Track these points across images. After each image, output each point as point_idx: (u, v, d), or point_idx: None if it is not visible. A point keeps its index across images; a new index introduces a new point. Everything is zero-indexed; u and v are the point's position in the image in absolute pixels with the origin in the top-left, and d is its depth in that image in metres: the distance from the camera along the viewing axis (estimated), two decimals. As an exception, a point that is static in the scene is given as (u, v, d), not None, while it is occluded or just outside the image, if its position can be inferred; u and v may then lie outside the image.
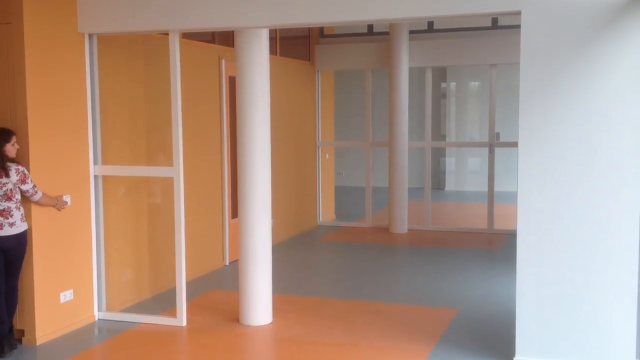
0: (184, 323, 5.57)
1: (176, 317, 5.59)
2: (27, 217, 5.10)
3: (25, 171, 4.99)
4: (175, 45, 5.36)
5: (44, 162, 5.22)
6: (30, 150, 5.10)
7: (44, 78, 5.21)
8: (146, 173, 5.59)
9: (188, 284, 6.86)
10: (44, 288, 5.24)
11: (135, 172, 5.96)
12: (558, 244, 4.55)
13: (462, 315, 5.87)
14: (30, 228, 5.11)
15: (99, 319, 5.77)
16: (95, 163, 5.70)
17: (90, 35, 5.61)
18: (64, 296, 5.43)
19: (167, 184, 6.87)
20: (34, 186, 5.04)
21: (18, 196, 4.98)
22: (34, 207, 5.13)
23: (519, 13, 4.52)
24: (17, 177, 4.93)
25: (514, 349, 4.71)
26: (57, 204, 5.28)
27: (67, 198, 5.41)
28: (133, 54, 6.28)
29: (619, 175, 4.39)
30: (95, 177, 5.71)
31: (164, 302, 6.21)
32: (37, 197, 5.08)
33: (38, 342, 5.18)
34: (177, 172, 5.37)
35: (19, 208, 4.98)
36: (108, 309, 5.83)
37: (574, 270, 4.53)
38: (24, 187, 4.98)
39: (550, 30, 4.46)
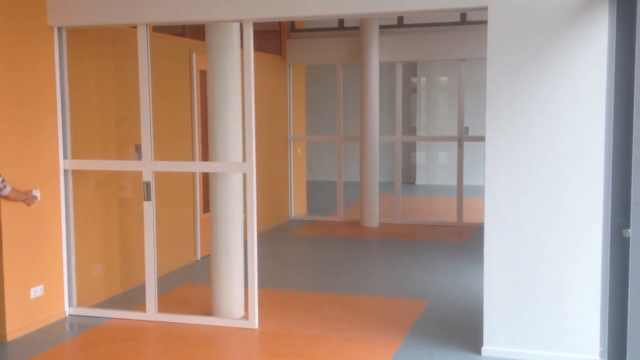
0: (156, 318, 5.57)
1: (146, 312, 5.58)
2: (-5, 212, 5.06)
3: (-6, 166, 4.95)
4: (143, 39, 5.35)
5: (12, 156, 5.17)
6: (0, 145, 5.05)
7: (13, 71, 5.16)
8: (216, 169, 5.47)
9: (159, 278, 6.84)
10: (13, 284, 5.20)
11: (207, 168, 5.83)
12: (524, 236, 4.64)
13: (431, 307, 5.96)
14: (-1, 223, 5.06)
15: (69, 315, 5.74)
16: (65, 157, 5.66)
17: (60, 28, 5.56)
18: (34, 292, 5.40)
19: (138, 179, 6.85)
20: (3, 180, 4.99)
21: (-14, 191, 4.93)
22: (3, 203, 5.08)
23: (485, 9, 4.60)
24: (-14, 172, 4.88)
25: (481, 338, 4.81)
26: (26, 198, 5.23)
27: (36, 193, 5.37)
28: (103, 47, 6.24)
29: (582, 167, 4.50)
30: (65, 171, 5.67)
31: (135, 298, 6.20)
32: (6, 191, 5.03)
33: (8, 338, 5.14)
34: (250, 167, 5.26)
35: (-12, 203, 4.94)
36: (79, 305, 5.80)
37: (539, 262, 4.63)
38: (-7, 182, 4.94)
39: (516, 25, 4.54)
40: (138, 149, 5.53)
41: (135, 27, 5.51)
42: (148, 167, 5.50)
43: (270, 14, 5.12)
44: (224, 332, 5.34)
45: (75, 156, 5.74)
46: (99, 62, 6.17)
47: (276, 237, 9.25)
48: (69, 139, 5.68)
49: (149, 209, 5.53)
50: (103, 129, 6.24)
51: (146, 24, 5.35)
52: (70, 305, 5.76)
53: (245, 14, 5.12)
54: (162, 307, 5.82)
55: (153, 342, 5.25)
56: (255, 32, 5.27)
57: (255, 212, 5.33)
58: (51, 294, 5.58)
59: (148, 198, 5.51)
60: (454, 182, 10.18)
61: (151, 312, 5.57)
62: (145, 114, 5.43)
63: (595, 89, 4.43)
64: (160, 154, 6.99)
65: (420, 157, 15.18)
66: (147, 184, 5.49)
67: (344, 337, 5.19)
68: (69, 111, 5.67)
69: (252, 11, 5.09)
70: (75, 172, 5.74)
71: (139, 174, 6.77)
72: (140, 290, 6.34)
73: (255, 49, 7.30)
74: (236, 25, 5.48)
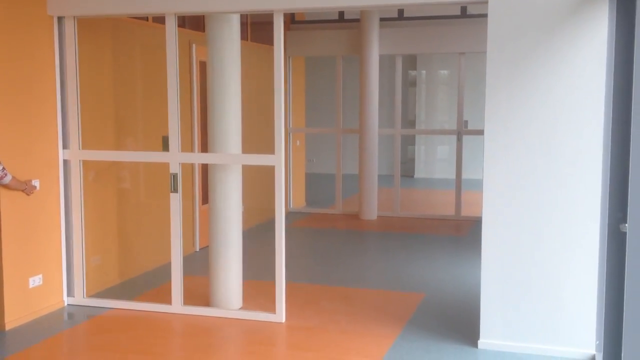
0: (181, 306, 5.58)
1: (172, 305, 5.57)
2: (-6, 201, 5.07)
3: (-6, 154, 4.95)
4: (172, 30, 5.32)
5: (12, 146, 5.18)
6: (-2, 135, 5.05)
7: (13, 61, 5.15)
8: (247, 161, 5.49)
9: (157, 269, 6.88)
10: (12, 273, 5.21)
11: (237, 161, 5.69)
12: (522, 230, 4.66)
13: (429, 300, 5.98)
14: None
15: (68, 305, 5.76)
16: (64, 147, 5.67)
17: (60, 18, 5.55)
18: (33, 281, 5.41)
19: (137, 169, 6.86)
20: (4, 169, 5.00)
21: (-15, 180, 4.94)
22: (2, 192, 5.09)
23: (486, 2, 4.60)
24: (-15, 161, 4.89)
25: (478, 331, 4.83)
26: (25, 188, 5.24)
27: (36, 183, 5.37)
28: (102, 38, 6.23)
29: (580, 161, 4.51)
30: (65, 161, 5.68)
31: (134, 288, 6.21)
32: (7, 179, 5.03)
33: (7, 328, 5.16)
34: (279, 160, 5.28)
35: (-13, 192, 4.94)
36: (77, 295, 5.81)
37: (537, 256, 4.65)
38: (-7, 171, 4.94)
39: (516, 19, 4.55)
40: (165, 140, 5.49)
41: (133, 18, 5.50)
42: (175, 158, 5.45)
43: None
44: (222, 323, 5.36)
45: (75, 146, 5.73)
46: (97, 53, 6.16)
47: (275, 229, 9.24)
48: (68, 129, 5.68)
49: (175, 200, 5.50)
50: (104, 119, 6.23)
51: (174, 14, 5.29)
52: (69, 295, 5.78)
53: (276, 4, 5.05)
54: (160, 298, 5.84)
55: (151, 332, 5.26)
56: (254, 24, 5.27)
57: (283, 205, 5.33)
58: (50, 284, 5.59)
59: (175, 190, 5.48)
60: (452, 175, 10.20)
61: (177, 305, 5.54)
62: (172, 106, 5.39)
63: (594, 84, 4.44)
64: (159, 145, 7.00)
65: (419, 150, 15.18)
66: (174, 176, 5.45)
67: (341, 329, 5.21)
68: (69, 101, 5.65)
69: (283, 1, 5.03)
70: (75, 162, 5.74)
71: (136, 165, 6.80)
72: (138, 280, 6.36)
73: (254, 40, 7.31)
74: (236, 17, 5.47)
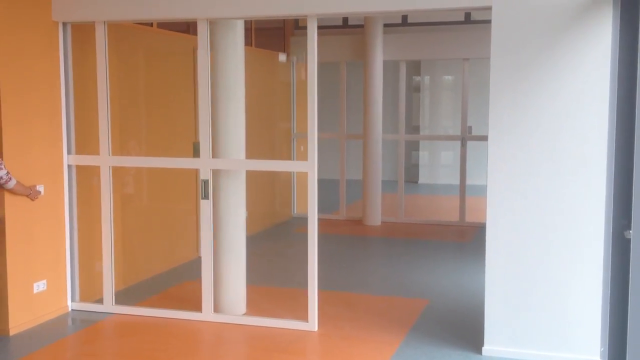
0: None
1: (202, 313, 5.53)
2: (0, 206, 5.08)
3: (-1, 158, 4.97)
4: (203, 34, 5.23)
5: (17, 151, 5.19)
6: (4, 139, 5.06)
7: (18, 67, 5.17)
8: (281, 168, 5.38)
9: (161, 275, 6.89)
10: (17, 278, 5.22)
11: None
12: (526, 236, 4.65)
13: (433, 306, 5.97)
14: (3, 218, 5.08)
15: (72, 310, 5.76)
16: (69, 153, 5.68)
17: (65, 24, 5.58)
18: (37, 286, 5.42)
19: (140, 175, 6.87)
20: (8, 172, 5.01)
21: (-11, 185, 4.95)
22: (7, 197, 5.11)
23: (489, 8, 4.60)
24: (-10, 165, 4.90)
25: (482, 338, 4.82)
26: (30, 193, 5.25)
27: (40, 188, 5.39)
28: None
29: (584, 167, 4.50)
30: (69, 166, 5.69)
31: (138, 293, 6.22)
32: (12, 184, 5.04)
33: (11, 333, 5.16)
34: (313, 166, 5.23)
35: (-10, 197, 4.96)
36: (81, 300, 5.82)
37: (541, 262, 4.64)
38: (-3, 174, 4.95)
39: (520, 25, 4.55)
40: (196, 146, 5.40)
41: (137, 24, 5.51)
42: (206, 164, 5.36)
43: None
44: (225, 329, 5.35)
45: (79, 152, 5.74)
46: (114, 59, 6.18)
47: (279, 234, 9.26)
48: (73, 134, 5.69)
49: (206, 207, 5.41)
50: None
51: (207, 19, 5.24)
52: (73, 300, 5.78)
53: (310, 8, 4.99)
54: (164, 303, 5.84)
55: (155, 338, 5.25)
56: (258, 29, 5.28)
57: (316, 212, 5.24)
58: (54, 289, 5.60)
59: (206, 196, 5.39)
60: (456, 181, 10.18)
61: (208, 313, 5.50)
62: (204, 112, 5.31)
63: (599, 91, 4.43)
64: (164, 150, 7.02)
65: (423, 156, 15.17)
66: (205, 182, 5.35)
67: (345, 335, 5.20)
68: (74, 106, 5.67)
69: (316, 6, 4.99)
70: (79, 167, 5.75)
71: (140, 170, 6.80)
72: (142, 286, 6.37)
73: (258, 46, 7.30)
74: (240, 23, 5.48)
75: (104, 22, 5.47)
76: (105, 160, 5.57)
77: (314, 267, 5.28)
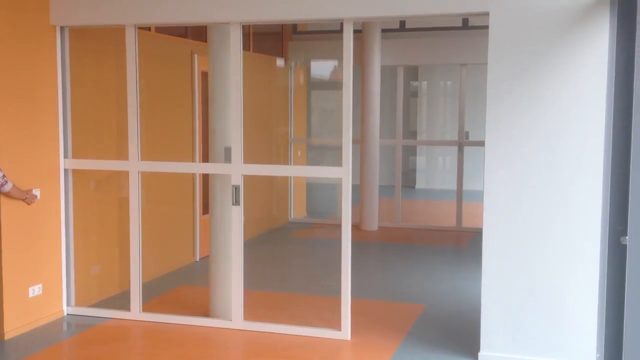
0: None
1: (232, 321, 5.46)
2: (-5, 210, 5.07)
3: (-6, 162, 4.96)
4: (237, 38, 5.16)
5: (13, 155, 5.18)
6: (0, 143, 5.05)
7: (15, 70, 5.17)
8: (314, 173, 5.26)
9: (157, 279, 6.88)
10: (12, 282, 5.21)
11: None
12: (522, 242, 4.65)
13: (429, 311, 5.96)
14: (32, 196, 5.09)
15: (67, 314, 5.75)
16: (65, 157, 5.67)
17: (62, 28, 5.58)
18: (33, 291, 5.40)
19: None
20: (4, 176, 5.00)
21: (-16, 189, 4.94)
22: (3, 201, 5.10)
23: (487, 14, 4.61)
24: (-14, 169, 4.90)
25: (479, 343, 4.81)
26: (26, 197, 5.24)
27: (36, 192, 5.38)
28: (105, 47, 6.25)
29: (581, 173, 4.50)
30: (65, 170, 5.68)
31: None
32: (8, 187, 5.03)
33: (6, 337, 5.15)
34: (347, 172, 5.13)
35: (-14, 201, 4.95)
36: (77, 304, 5.80)
37: (537, 267, 4.63)
38: (-7, 178, 4.94)
39: (517, 31, 4.55)
40: (227, 151, 5.31)
41: (140, 29, 5.50)
42: (237, 170, 5.27)
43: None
44: (222, 334, 5.34)
45: (76, 155, 5.73)
46: (100, 62, 6.18)
47: (275, 239, 9.25)
48: (69, 138, 5.69)
49: (237, 214, 5.34)
50: (104, 128, 6.24)
51: (240, 23, 5.16)
52: (68, 304, 5.77)
53: (345, 12, 4.97)
54: (160, 307, 5.83)
55: (150, 342, 5.24)
56: (256, 34, 5.28)
57: (350, 217, 5.12)
58: (49, 293, 5.58)
59: (237, 202, 5.30)
60: (453, 186, 10.19)
61: (238, 321, 5.41)
62: (236, 117, 5.25)
63: (596, 96, 4.44)
64: (162, 155, 7.02)
65: (421, 161, 15.19)
66: (236, 188, 5.26)
67: (341, 339, 5.19)
68: (70, 111, 5.66)
69: (352, 10, 4.95)
70: (75, 172, 5.74)
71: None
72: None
73: (257, 51, 7.27)
74: (237, 27, 5.47)
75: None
76: (135, 166, 5.51)
77: (347, 274, 5.15)
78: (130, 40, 5.44)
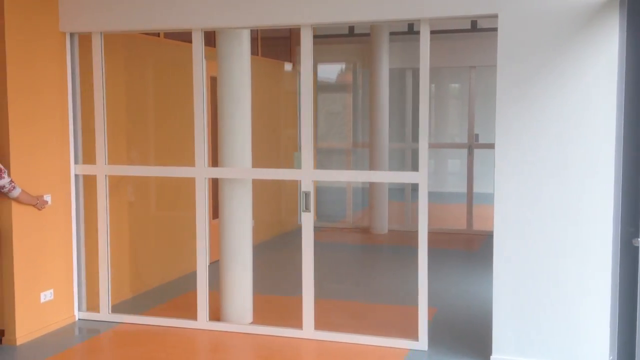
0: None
1: (302, 330, 5.38)
2: (7, 216, 5.10)
3: (1, 166, 4.98)
4: (309, 43, 5.15)
5: (24, 161, 5.21)
6: (11, 149, 5.08)
7: (26, 77, 5.20)
8: (390, 179, 5.09)
9: (168, 284, 6.89)
10: (24, 288, 5.23)
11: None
12: (534, 245, 4.63)
13: (440, 314, 5.94)
14: (10, 227, 5.10)
15: (79, 319, 5.77)
16: (76, 162, 5.70)
17: (72, 35, 5.61)
18: (45, 296, 5.43)
19: (145, 184, 6.88)
20: (11, 181, 5.02)
21: (-8, 194, 4.97)
22: (14, 207, 5.12)
23: (495, 16, 4.60)
24: (-7, 173, 4.92)
25: (491, 347, 4.79)
26: (37, 203, 5.27)
27: (47, 197, 5.40)
28: (115, 54, 6.28)
29: (593, 176, 4.48)
30: (76, 176, 5.71)
31: (144, 302, 6.21)
32: (16, 193, 5.05)
33: (18, 342, 5.17)
34: (423, 177, 5.00)
35: (-8, 205, 4.97)
36: (88, 309, 5.82)
37: (549, 271, 4.61)
38: (0, 183, 4.96)
39: (526, 32, 4.54)
40: (297, 157, 5.23)
41: (145, 34, 5.54)
42: (308, 175, 5.19)
43: (280, 21, 5.07)
44: (231, 338, 5.34)
45: (86, 161, 5.76)
46: (110, 69, 6.20)
47: (285, 244, 9.25)
48: (80, 144, 5.71)
49: (308, 220, 5.28)
50: (115, 134, 6.27)
51: (311, 25, 5.10)
52: (80, 309, 5.79)
53: (421, 12, 4.88)
54: (171, 312, 5.83)
55: (163, 347, 5.25)
56: (264, 39, 5.28)
57: (426, 223, 5.00)
58: (61, 298, 5.61)
59: (307, 209, 5.24)
60: (463, 189, 10.16)
61: (308, 331, 5.32)
62: (306, 122, 5.19)
63: (606, 99, 4.41)
64: (170, 159, 7.04)
65: (430, 164, 15.14)
66: (307, 194, 5.20)
67: (352, 344, 5.18)
68: (81, 117, 5.70)
69: (428, 10, 4.85)
70: (86, 177, 5.76)
71: (147, 179, 6.80)
72: (149, 295, 6.36)
73: (265, 56, 7.26)
74: (246, 32, 5.50)
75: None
76: (202, 172, 5.45)
77: (424, 282, 5.07)
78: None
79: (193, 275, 7.28)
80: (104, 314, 5.72)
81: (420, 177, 5.00)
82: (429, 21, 4.86)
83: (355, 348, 5.11)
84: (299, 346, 5.19)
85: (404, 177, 5.11)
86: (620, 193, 4.43)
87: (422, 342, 5.06)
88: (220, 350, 5.15)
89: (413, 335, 5.19)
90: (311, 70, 5.14)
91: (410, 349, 5.05)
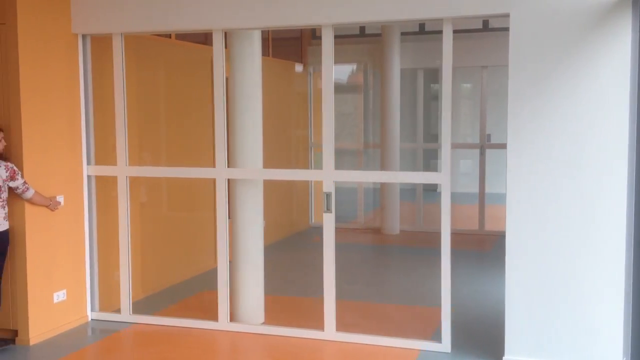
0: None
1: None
2: (20, 217, 5.13)
3: (15, 167, 5.01)
4: (329, 42, 5.05)
5: (37, 162, 5.24)
6: (24, 151, 5.12)
7: (38, 78, 5.23)
8: (412, 179, 5.04)
9: (179, 284, 6.91)
10: (37, 288, 5.26)
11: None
12: (546, 245, 4.60)
13: (453, 315, 5.90)
14: (23, 228, 5.13)
15: (92, 319, 5.79)
16: (88, 163, 5.73)
17: (84, 36, 5.64)
18: (57, 296, 5.45)
19: (156, 185, 6.91)
20: (25, 182, 5.05)
21: (5, 195, 4.99)
22: (27, 208, 5.15)
23: (507, 15, 4.58)
24: (7, 174, 4.95)
25: (503, 348, 4.76)
26: (50, 204, 5.30)
27: (60, 198, 5.43)
28: (126, 55, 6.30)
29: (606, 176, 4.45)
30: (89, 177, 5.73)
31: (156, 303, 6.23)
32: (29, 194, 5.08)
33: (31, 342, 5.20)
34: (446, 178, 5.05)
35: (4, 207, 4.99)
36: (101, 310, 5.85)
37: (561, 271, 4.58)
38: (14, 184, 4.99)
39: (538, 32, 4.51)
40: (318, 157, 5.31)
41: (155, 35, 5.55)
42: (329, 176, 5.14)
43: (292, 21, 5.06)
44: (243, 338, 5.34)
45: (98, 162, 5.78)
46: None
47: (296, 244, 9.25)
48: (92, 145, 5.74)
49: (329, 221, 5.21)
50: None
51: (332, 26, 5.05)
52: (92, 309, 5.81)
53: (446, 12, 4.93)
54: (182, 312, 5.85)
55: (176, 347, 5.26)
56: (275, 39, 5.28)
57: (449, 224, 4.98)
58: (74, 299, 5.63)
59: (329, 210, 5.17)
60: (475, 189, 10.12)
61: (330, 332, 5.26)
62: (328, 123, 5.15)
63: (619, 98, 4.38)
64: (181, 160, 7.06)
65: (442, 164, 15.09)
66: (328, 195, 5.11)
67: (363, 344, 5.17)
68: (93, 118, 5.72)
69: (452, 9, 4.88)
70: (98, 178, 5.79)
71: (158, 181, 6.82)
72: (162, 295, 6.38)
73: (276, 56, 7.26)
74: (257, 33, 5.50)
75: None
76: (221, 173, 5.42)
77: (447, 285, 5.08)
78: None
79: (202, 276, 7.32)
80: (125, 314, 5.73)
81: (443, 178, 4.99)
82: (451, 20, 4.82)
83: (378, 350, 5.08)
84: (322, 348, 5.18)
85: (427, 177, 5.09)
86: (634, 193, 4.39)
87: (445, 344, 5.03)
88: (240, 352, 5.15)
89: (427, 335, 5.17)
90: (332, 70, 5.12)
91: (432, 351, 5.02)
